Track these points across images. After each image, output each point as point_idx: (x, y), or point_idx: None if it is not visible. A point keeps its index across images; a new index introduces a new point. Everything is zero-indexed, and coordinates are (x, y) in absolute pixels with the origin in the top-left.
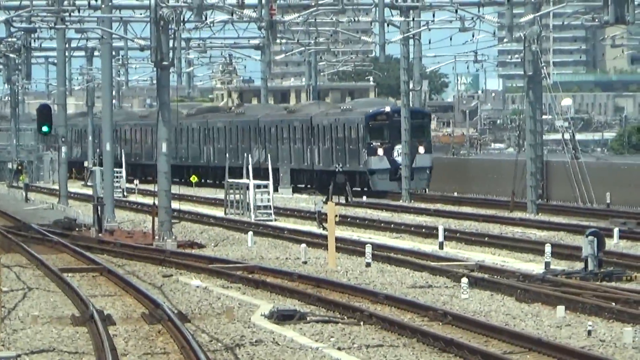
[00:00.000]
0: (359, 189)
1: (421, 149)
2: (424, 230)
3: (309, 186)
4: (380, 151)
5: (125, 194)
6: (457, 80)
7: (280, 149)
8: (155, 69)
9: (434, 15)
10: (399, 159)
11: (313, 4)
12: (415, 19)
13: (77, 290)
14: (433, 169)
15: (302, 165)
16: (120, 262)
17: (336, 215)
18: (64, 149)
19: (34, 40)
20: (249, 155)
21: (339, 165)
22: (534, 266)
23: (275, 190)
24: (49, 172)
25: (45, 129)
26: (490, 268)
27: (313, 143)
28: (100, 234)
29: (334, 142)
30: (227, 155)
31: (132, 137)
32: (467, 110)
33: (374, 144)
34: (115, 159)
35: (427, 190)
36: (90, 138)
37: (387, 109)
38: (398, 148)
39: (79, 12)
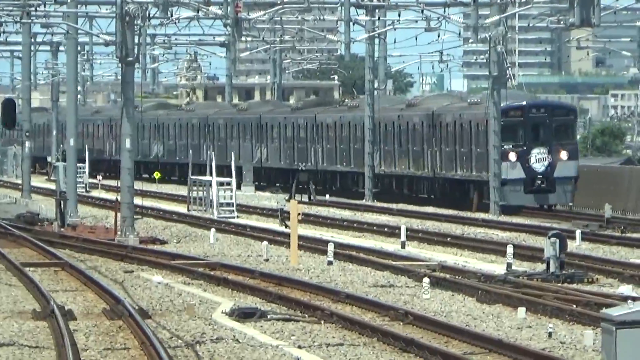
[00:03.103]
0: (487, 201)
1: (564, 155)
2: (386, 229)
3: (432, 196)
4: (512, 156)
5: (88, 189)
6: (422, 80)
7: (396, 150)
8: (120, 64)
9: (399, 15)
10: (536, 167)
11: (279, 1)
12: (380, 18)
13: (39, 284)
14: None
15: (417, 171)
16: (82, 257)
17: (299, 214)
18: (27, 143)
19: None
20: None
21: (302, 164)
22: (496, 267)
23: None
24: (13, 166)
25: (5, 124)
26: (452, 268)
27: (434, 144)
28: (62, 229)
29: (457, 143)
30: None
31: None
32: None
33: (505, 147)
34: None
35: (571, 206)
36: (54, 133)
37: (524, 102)
38: (536, 152)
39: (44, 6)
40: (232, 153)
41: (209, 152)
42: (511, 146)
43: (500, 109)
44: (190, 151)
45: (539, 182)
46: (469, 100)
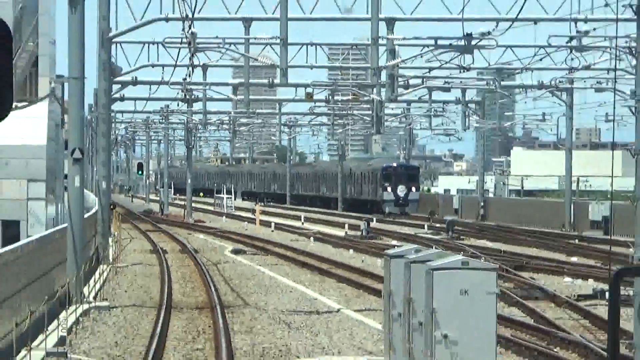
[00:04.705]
0: (377, 212)
1: (413, 189)
2: (296, 217)
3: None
4: (389, 188)
5: (173, 200)
6: (313, 156)
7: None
8: (186, 149)
9: (301, 129)
10: (400, 194)
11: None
12: (294, 129)
13: (152, 239)
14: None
15: (340, 195)
16: (170, 228)
17: (260, 210)
18: (147, 181)
19: (135, 137)
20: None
21: (263, 189)
22: (341, 232)
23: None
24: (142, 189)
25: (140, 172)
26: (324, 233)
27: (351, 183)
28: (162, 216)
29: (364, 182)
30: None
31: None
32: None
33: (385, 184)
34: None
35: (414, 214)
36: (160, 176)
37: (394, 164)
38: (400, 187)
39: (153, 125)
40: (233, 185)
41: (223, 184)
42: (388, 184)
43: (385, 167)
44: (220, 182)
45: (401, 201)
46: (369, 163)
